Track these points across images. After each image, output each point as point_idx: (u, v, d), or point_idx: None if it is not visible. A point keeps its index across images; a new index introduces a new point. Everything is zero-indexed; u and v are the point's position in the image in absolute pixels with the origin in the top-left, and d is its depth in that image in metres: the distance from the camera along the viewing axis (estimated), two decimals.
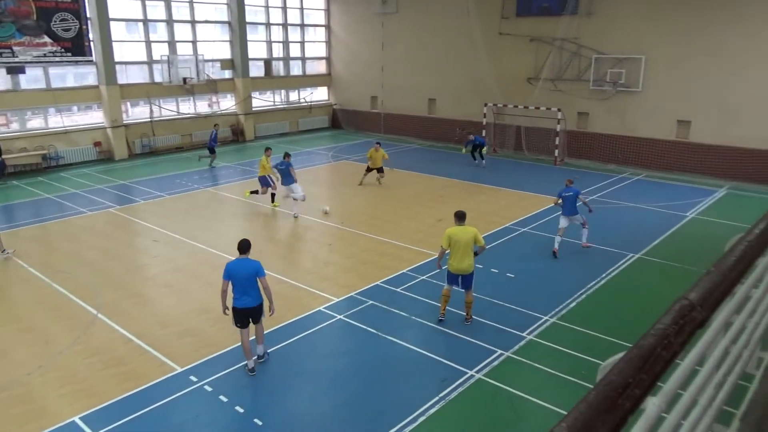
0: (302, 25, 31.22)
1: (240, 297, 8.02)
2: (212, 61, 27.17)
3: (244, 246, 8.13)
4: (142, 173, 21.30)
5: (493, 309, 10.09)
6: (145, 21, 24.78)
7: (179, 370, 8.29)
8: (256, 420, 7.19)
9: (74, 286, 11.23)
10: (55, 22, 21.25)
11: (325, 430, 7.11)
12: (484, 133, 24.28)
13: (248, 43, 28.00)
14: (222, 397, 7.66)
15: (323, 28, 32.08)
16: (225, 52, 27.84)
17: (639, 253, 12.94)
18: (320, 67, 32.62)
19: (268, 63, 29.72)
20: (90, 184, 19.52)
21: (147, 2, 24.66)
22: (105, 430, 6.98)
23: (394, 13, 28.35)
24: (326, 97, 32.91)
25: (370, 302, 10.43)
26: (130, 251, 13.61)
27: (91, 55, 22.66)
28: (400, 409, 7.36)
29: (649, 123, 21.54)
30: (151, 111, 25.15)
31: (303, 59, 31.54)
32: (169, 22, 25.51)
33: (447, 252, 9.39)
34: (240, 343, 8.32)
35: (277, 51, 30.40)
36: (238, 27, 27.34)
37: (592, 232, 13.20)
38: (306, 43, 31.53)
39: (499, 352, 8.71)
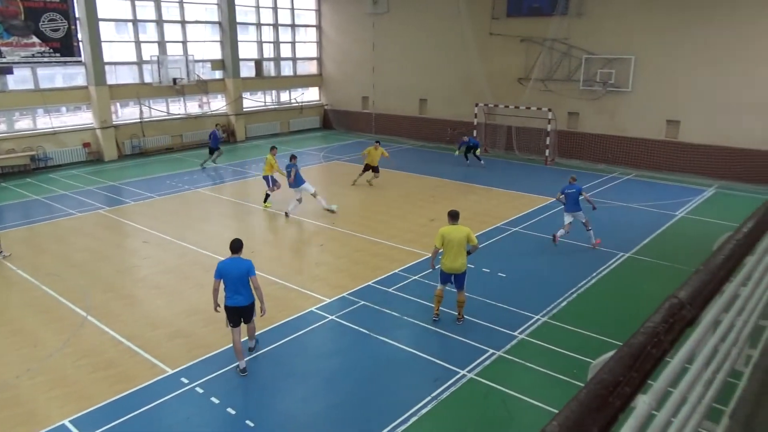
0: (293, 26, 31.16)
1: (232, 296, 8.05)
2: (202, 61, 27.05)
3: (236, 245, 8.17)
4: (132, 174, 21.17)
5: (485, 308, 10.12)
6: (135, 21, 24.63)
7: (170, 372, 8.25)
8: (248, 422, 7.17)
9: (63, 288, 11.14)
10: (43, 22, 21.08)
11: (317, 431, 7.10)
12: (475, 134, 24.35)
13: (239, 43, 27.91)
14: (213, 399, 7.62)
15: (314, 29, 32.04)
16: (215, 52, 27.73)
17: (629, 252, 13.02)
18: (311, 68, 32.57)
19: (258, 63, 29.64)
20: (79, 186, 19.37)
21: (136, 2, 24.52)
22: None
23: (385, 14, 28.36)
24: (317, 98, 32.86)
25: (362, 303, 10.43)
26: (119, 253, 13.52)
27: (80, 56, 22.50)
28: (393, 409, 7.36)
29: (639, 123, 21.68)
30: (141, 112, 25.00)
31: (294, 59, 31.48)
32: (159, 22, 25.37)
33: (440, 252, 9.42)
34: (231, 345, 8.29)
35: (268, 51, 30.32)
36: (228, 27, 27.24)
37: (583, 232, 13.27)
38: (297, 44, 31.48)
39: (491, 351, 8.73)
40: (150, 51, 25.03)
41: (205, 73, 27.30)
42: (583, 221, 13.01)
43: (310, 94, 32.61)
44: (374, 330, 9.41)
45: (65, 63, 22.39)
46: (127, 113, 25.38)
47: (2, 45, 20.21)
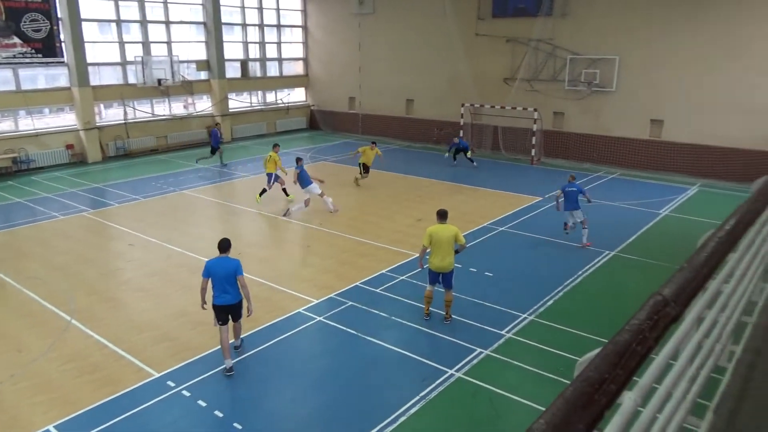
0: (279, 26, 31.04)
1: (220, 295, 8.08)
2: (187, 62, 26.83)
3: (224, 245, 8.22)
4: (117, 176, 20.95)
5: (473, 308, 10.15)
6: (118, 21, 24.38)
7: (156, 375, 8.17)
8: (235, 424, 7.12)
9: (47, 292, 10.99)
10: (24, 22, 20.78)
11: None
12: (462, 134, 24.42)
13: (224, 44, 27.73)
14: (200, 402, 7.57)
15: (300, 29, 31.94)
16: (200, 53, 27.53)
17: (614, 250, 13.13)
18: (297, 68, 32.47)
19: (244, 64, 29.49)
20: (62, 188, 19.13)
21: (120, 2, 24.26)
22: None
23: (371, 14, 28.35)
24: (304, 98, 32.77)
25: (350, 303, 10.41)
26: (104, 256, 13.38)
27: (63, 57, 22.23)
28: (381, 409, 7.35)
29: (623, 122, 21.89)
30: (125, 113, 24.75)
31: (280, 60, 31.36)
32: (143, 22, 25.14)
33: (428, 251, 9.46)
34: (219, 346, 8.25)
35: (254, 52, 30.17)
36: (213, 28, 27.06)
37: (573, 230, 13.37)
38: (283, 44, 31.36)
39: (479, 350, 8.76)
40: (134, 51, 24.78)
41: (190, 73, 27.10)
42: (581, 220, 13.14)
43: (297, 95, 32.50)
44: (362, 330, 9.40)
45: (47, 64, 22.10)
46: (111, 114, 25.09)
47: None
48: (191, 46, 27.15)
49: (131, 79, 24.73)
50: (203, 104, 28.03)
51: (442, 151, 24.63)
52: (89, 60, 23.03)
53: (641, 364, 1.37)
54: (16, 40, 20.69)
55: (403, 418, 7.17)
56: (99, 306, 10.47)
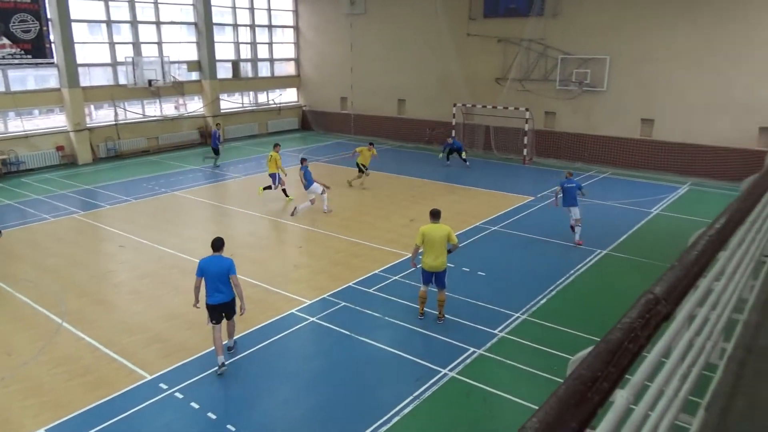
0: (270, 26, 30.96)
1: (213, 294, 8.11)
2: (178, 62, 26.71)
3: (217, 244, 8.27)
4: (108, 178, 20.83)
5: (465, 307, 10.17)
6: (109, 22, 24.23)
7: (149, 377, 8.13)
8: (229, 426, 7.10)
9: (37, 294, 10.91)
10: (14, 23, 20.62)
11: None
12: (453, 133, 24.47)
13: (215, 44, 27.62)
14: (193, 404, 7.53)
15: (291, 29, 31.88)
16: (191, 53, 27.40)
17: (606, 249, 13.20)
18: (289, 69, 32.40)
19: (235, 64, 29.39)
20: (53, 190, 18.99)
21: (110, 3, 24.11)
22: None
23: (362, 14, 28.34)
24: (295, 99, 32.71)
25: (343, 304, 10.41)
26: (95, 258, 13.30)
27: (53, 57, 22.07)
28: (375, 409, 7.35)
29: (614, 122, 22.00)
30: (116, 114, 24.60)
31: (271, 60, 31.29)
32: (134, 23, 25.00)
33: (420, 251, 9.47)
34: (212, 347, 8.22)
35: (245, 52, 30.09)
36: (204, 28, 26.95)
37: (562, 230, 13.42)
38: (274, 45, 31.29)
39: (472, 350, 8.78)
40: (124, 52, 24.64)
41: (181, 74, 26.97)
42: (577, 217, 13.27)
43: (288, 95, 32.43)
44: (355, 331, 9.40)
45: (37, 65, 21.93)
46: (101, 115, 24.93)
47: None
48: (182, 47, 27.01)
49: (122, 80, 24.59)
50: (194, 105, 27.91)
51: (434, 151, 24.66)
52: (79, 61, 22.88)
53: (633, 363, 1.37)
54: (5, 40, 20.52)
55: (397, 418, 7.17)
56: (90, 308, 10.40)
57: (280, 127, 31.14)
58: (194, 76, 27.54)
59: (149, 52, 25.52)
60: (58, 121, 23.35)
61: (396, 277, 11.51)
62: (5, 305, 10.54)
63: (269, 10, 30.67)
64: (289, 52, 32.12)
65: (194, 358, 8.59)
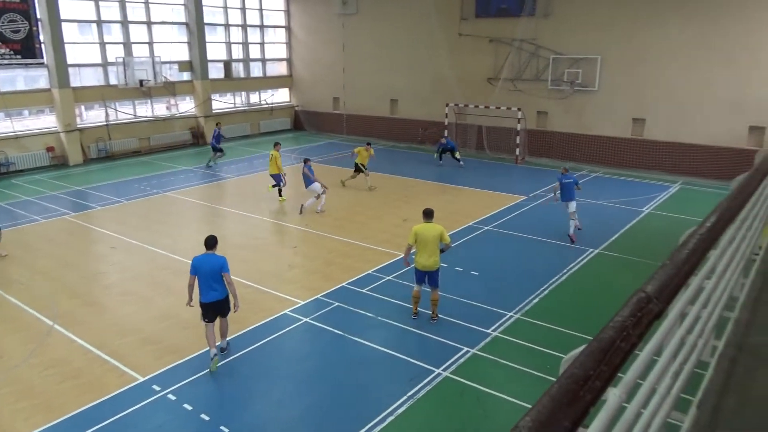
0: (262, 27, 30.88)
1: (207, 292, 8.14)
2: (170, 63, 26.58)
3: (210, 242, 8.33)
4: (99, 179, 20.70)
5: (459, 307, 10.19)
6: (99, 22, 24.08)
7: (141, 379, 8.09)
8: (222, 428, 7.07)
9: (29, 296, 10.82)
10: (3, 23, 20.44)
11: None
12: (446, 133, 24.50)
13: (207, 44, 27.51)
14: (186, 406, 7.50)
15: (283, 29, 31.80)
16: (183, 53, 27.27)
17: (598, 248, 13.26)
18: (281, 69, 32.33)
19: (227, 65, 29.28)
20: (43, 191, 18.86)
21: (100, 3, 23.95)
22: None
23: (354, 14, 28.32)
24: (288, 99, 32.64)
25: (336, 304, 10.39)
26: (86, 259, 13.21)
27: (42, 58, 21.90)
28: (369, 409, 7.35)
29: (606, 121, 22.11)
30: (107, 114, 24.45)
31: (263, 61, 31.20)
32: (124, 23, 24.86)
33: (413, 251, 9.49)
34: (205, 348, 8.19)
35: (237, 52, 29.99)
36: (196, 28, 26.83)
37: (555, 229, 13.48)
38: (266, 45, 31.20)
39: (466, 349, 8.79)
40: (115, 52, 24.49)
41: (173, 74, 26.85)
42: (572, 210, 13.54)
43: (281, 96, 32.36)
44: (349, 331, 9.39)
45: (27, 65, 21.77)
46: (92, 116, 24.76)
47: None
48: (173, 47, 26.90)
49: (112, 81, 24.44)
50: (186, 105, 27.79)
51: (427, 151, 24.69)
52: (69, 61, 22.71)
53: (625, 361, 1.38)
54: None
55: (390, 418, 7.17)
56: (82, 310, 10.33)
57: (273, 128, 31.06)
58: (186, 76, 27.41)
59: (140, 52, 25.38)
60: (48, 121, 23.17)
61: (389, 277, 11.51)
62: None
63: (261, 10, 30.58)
64: (281, 52, 32.05)
65: (187, 360, 8.55)
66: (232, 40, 29.55)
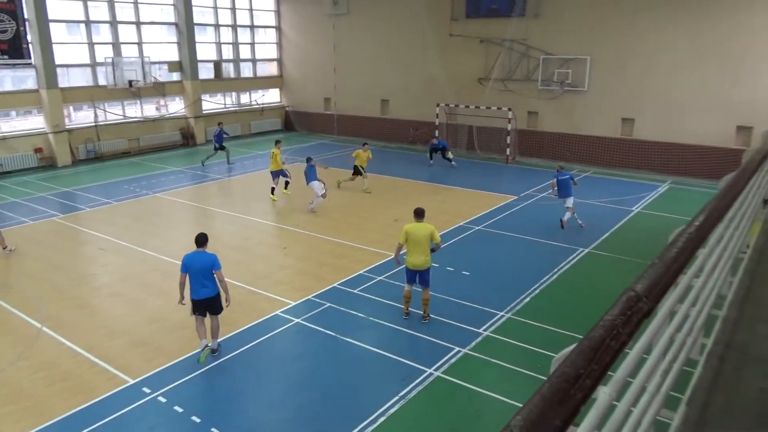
0: (252, 27, 30.78)
1: (198, 289, 8.18)
2: (159, 63, 26.43)
3: (201, 239, 8.39)
4: (88, 180, 20.54)
5: (450, 306, 10.20)
6: (88, 22, 23.89)
7: (131, 381, 8.03)
8: (213, 429, 7.04)
9: (17, 299, 10.72)
10: None
11: None
12: (437, 133, 24.54)
13: (197, 44, 27.37)
14: (177, 408, 7.46)
15: (273, 30, 31.72)
16: (173, 54, 27.12)
17: (589, 247, 13.33)
18: (271, 69, 32.23)
19: (217, 65, 29.15)
20: (31, 193, 18.68)
21: (89, 3, 23.76)
22: None
23: (344, 15, 28.29)
24: (278, 99, 32.55)
25: (328, 305, 10.38)
26: (75, 261, 13.11)
27: (30, 58, 21.69)
28: (361, 409, 7.34)
29: (595, 121, 22.23)
30: (96, 115, 24.27)
31: (254, 61, 31.09)
32: (113, 23, 24.68)
33: (404, 251, 9.49)
34: (196, 350, 8.15)
35: (227, 53, 29.87)
36: (185, 28, 26.68)
37: (545, 229, 13.54)
38: (256, 45, 31.10)
39: (457, 349, 8.81)
40: (104, 53, 24.30)
41: (162, 75, 26.69)
42: (569, 206, 14.13)
43: (271, 96, 32.26)
44: (340, 332, 9.38)
45: (14, 65, 21.56)
46: (80, 117, 24.56)
47: None
48: (163, 47, 26.73)
49: (101, 81, 24.26)
50: (176, 106, 27.64)
51: (418, 151, 24.71)
52: (58, 61, 22.51)
53: (615, 359, 1.39)
54: None
55: (382, 419, 7.17)
56: (71, 312, 10.25)
57: (263, 128, 30.95)
58: (175, 76, 27.26)
59: (129, 52, 25.20)
60: (36, 122, 22.96)
61: (381, 278, 11.51)
62: None
63: (251, 10, 30.48)
64: (272, 52, 31.95)
65: (177, 362, 8.50)
66: (222, 41, 29.43)
